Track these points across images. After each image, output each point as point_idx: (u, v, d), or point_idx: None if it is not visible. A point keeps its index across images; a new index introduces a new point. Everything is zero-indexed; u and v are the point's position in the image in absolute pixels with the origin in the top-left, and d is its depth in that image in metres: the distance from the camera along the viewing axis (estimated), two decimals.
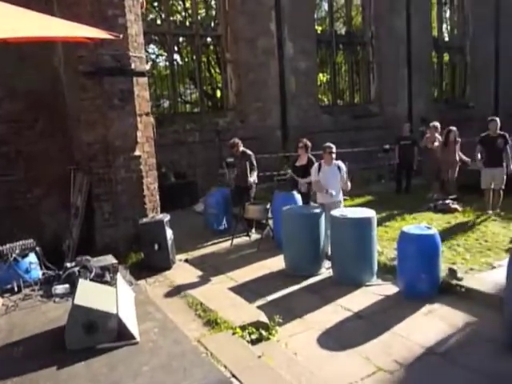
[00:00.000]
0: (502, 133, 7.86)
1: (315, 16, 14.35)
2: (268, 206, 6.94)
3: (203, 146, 10.59)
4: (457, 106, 15.69)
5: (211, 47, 13.92)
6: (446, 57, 16.57)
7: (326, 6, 15.36)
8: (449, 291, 4.87)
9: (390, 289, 5.13)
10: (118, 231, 6.26)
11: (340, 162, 6.18)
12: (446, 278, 4.99)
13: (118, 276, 4.12)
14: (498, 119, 7.98)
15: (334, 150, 6.13)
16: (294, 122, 12.02)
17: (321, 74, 14.89)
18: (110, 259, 4.64)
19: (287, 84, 11.98)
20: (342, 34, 14.59)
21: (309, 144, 7.27)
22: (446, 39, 16.63)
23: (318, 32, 13.84)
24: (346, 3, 14.75)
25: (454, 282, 4.92)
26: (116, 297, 3.46)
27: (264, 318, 4.25)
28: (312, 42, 12.56)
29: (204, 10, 15.69)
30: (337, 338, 4.10)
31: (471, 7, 15.88)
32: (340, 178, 6.09)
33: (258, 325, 4.12)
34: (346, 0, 14.67)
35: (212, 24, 13.56)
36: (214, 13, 14.64)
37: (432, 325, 4.27)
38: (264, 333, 4.06)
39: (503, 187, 7.84)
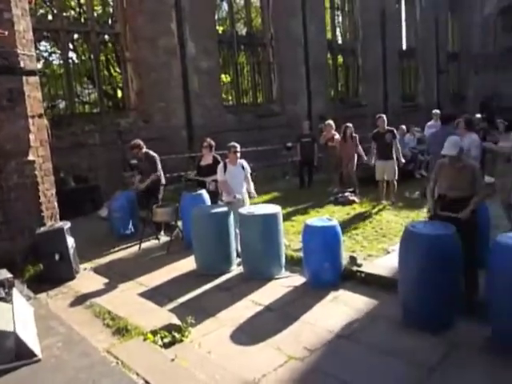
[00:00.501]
0: (389, 128, 8.58)
1: (216, 16, 14.46)
2: (176, 208, 6.86)
3: (105, 147, 10.14)
4: (351, 105, 16.77)
5: (110, 45, 13.37)
6: (340, 59, 17.64)
7: (226, 6, 15.56)
8: (351, 277, 5.19)
9: (298, 280, 5.34)
10: (13, 242, 5.78)
11: (244, 162, 6.30)
12: (347, 265, 5.32)
13: (14, 291, 3.82)
14: (384, 116, 8.70)
15: (239, 149, 6.23)
16: (198, 121, 11.99)
17: (224, 75, 15.03)
18: (3, 274, 4.27)
19: (190, 84, 11.91)
20: (243, 34, 14.85)
21: (213, 143, 7.32)
22: (340, 42, 17.68)
23: (220, 32, 13.97)
24: (246, 5, 15.06)
25: (355, 268, 5.27)
26: (12, 314, 3.21)
27: (176, 321, 4.20)
28: (214, 42, 12.63)
29: (100, 7, 15.00)
30: (249, 333, 4.18)
31: (360, 13, 17.06)
32: (244, 177, 6.22)
33: (170, 328, 4.07)
34: (246, 1, 14.99)
35: (109, 21, 13.02)
36: (111, 10, 14.05)
37: (337, 310, 4.53)
38: (177, 335, 4.01)
39: (396, 178, 8.58)
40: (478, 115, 10.89)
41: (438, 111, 10.94)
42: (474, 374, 3.36)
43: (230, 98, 15.49)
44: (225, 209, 5.93)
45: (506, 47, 23.19)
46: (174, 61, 11.58)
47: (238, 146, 6.24)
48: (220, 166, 6.32)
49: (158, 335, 3.92)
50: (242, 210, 5.62)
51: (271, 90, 14.65)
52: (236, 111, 13.42)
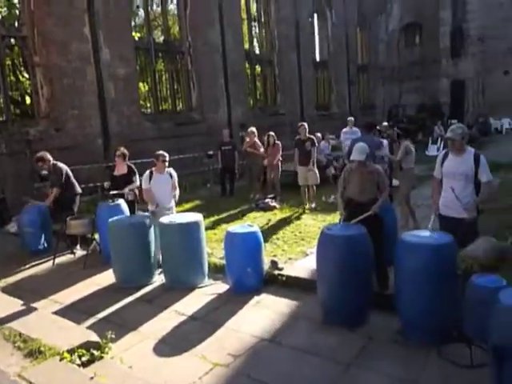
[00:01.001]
0: (310, 136, 8.95)
1: (133, 23, 14.15)
2: (92, 219, 6.58)
3: (12, 158, 9.48)
4: (270, 113, 17.22)
5: (16, 49, 12.53)
6: (258, 68, 18.08)
7: (142, 13, 15.28)
8: (273, 281, 5.32)
9: (222, 287, 5.36)
10: None
11: (172, 170, 6.22)
12: (269, 269, 5.45)
13: None
14: (306, 124, 9.06)
15: (168, 158, 6.14)
16: (115, 129, 11.61)
17: (142, 82, 14.73)
18: None
19: (106, 90, 11.52)
20: (161, 42, 14.68)
21: (126, 152, 7.13)
22: (257, 52, 18.12)
23: (136, 39, 13.68)
24: (163, 12, 14.91)
25: (276, 272, 5.41)
26: None
27: (95, 337, 4.01)
28: (130, 48, 12.34)
29: (6, 9, 14.02)
30: (173, 344, 4.12)
31: (276, 25, 17.62)
32: (172, 186, 6.14)
33: (88, 345, 3.87)
34: (163, 9, 14.84)
35: (16, 24, 12.22)
36: (18, 12, 13.19)
37: (260, 314, 4.62)
38: (96, 352, 3.83)
39: (317, 183, 8.95)
40: (385, 123, 11.67)
41: (352, 118, 11.61)
42: (387, 364, 3.59)
43: (149, 105, 15.20)
44: (145, 218, 5.79)
45: (408, 61, 25.22)
46: (87, 67, 11.13)
47: (166, 154, 6.14)
48: (146, 174, 6.17)
49: (76, 354, 3.72)
50: (164, 219, 5.53)
51: (191, 98, 14.61)
52: (155, 119, 13.20)
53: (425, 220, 6.48)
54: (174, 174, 6.22)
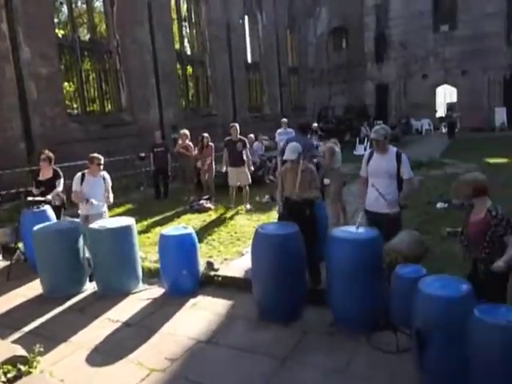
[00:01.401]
0: (241, 137, 9.02)
1: (55, 20, 13.48)
2: (16, 227, 6.19)
3: None
4: (203, 115, 17.17)
5: None
6: (190, 69, 17.95)
7: (66, 9, 14.61)
8: (209, 283, 5.33)
9: (157, 291, 5.28)
10: None
11: (105, 173, 6.01)
12: (205, 271, 5.44)
13: None
14: (237, 125, 9.13)
15: (102, 161, 5.92)
16: (38, 132, 11.02)
17: (68, 82, 14.09)
18: None
19: (27, 91, 10.90)
20: (87, 40, 14.12)
21: (51, 155, 6.80)
22: (189, 53, 17.97)
23: (60, 36, 13.06)
24: (88, 9, 14.36)
25: (212, 273, 5.42)
26: None
27: (21, 352, 3.79)
28: (53, 46, 11.76)
29: None
30: (107, 352, 4.00)
31: (207, 26, 17.59)
32: (105, 189, 5.92)
33: (14, 360, 3.65)
34: (88, 6, 14.29)
35: None
36: None
37: (197, 316, 4.60)
38: (23, 368, 3.62)
39: (249, 183, 9.04)
40: (315, 124, 12.07)
41: (285, 120, 11.87)
42: (320, 356, 3.73)
43: (76, 106, 14.57)
44: (74, 224, 5.55)
45: (336, 64, 26.24)
46: (6, 65, 10.47)
47: (101, 157, 5.92)
48: (77, 176, 5.90)
49: (0, 370, 3.50)
50: (93, 225, 5.33)
51: (120, 99, 14.20)
52: (82, 120, 12.69)
53: (354, 216, 6.80)
54: (108, 177, 6.02)
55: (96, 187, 5.86)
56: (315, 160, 7.71)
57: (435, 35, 23.94)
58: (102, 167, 5.94)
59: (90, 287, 5.51)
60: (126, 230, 5.30)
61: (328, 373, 3.49)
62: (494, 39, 22.54)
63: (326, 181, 8.16)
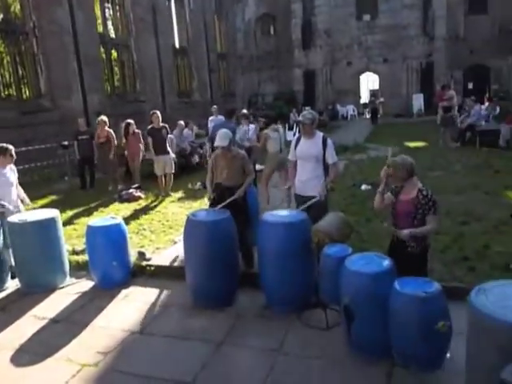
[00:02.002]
0: (163, 125, 8.86)
1: None
2: None
3: None
4: (130, 101, 16.58)
5: None
6: (115, 53, 17.20)
7: None
8: (141, 273, 5.23)
9: (86, 285, 5.10)
10: None
11: (13, 166, 5.60)
12: (136, 261, 5.33)
13: None
14: (158, 112, 8.94)
15: (14, 152, 5.49)
16: None
17: None
18: None
19: None
20: None
21: None
22: (113, 36, 17.20)
23: None
24: None
25: (144, 263, 5.32)
26: None
27: None
28: None
29: None
30: (34, 351, 3.81)
31: (131, 8, 16.90)
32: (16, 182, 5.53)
33: None
34: None
35: None
36: None
37: (129, 308, 4.50)
38: None
39: (173, 171, 8.93)
40: (244, 111, 12.09)
41: (216, 107, 11.79)
42: (254, 338, 3.81)
43: None
44: None
45: (265, 50, 26.42)
46: None
47: (12, 147, 5.48)
48: None
49: None
50: (12, 218, 5.00)
51: (39, 84, 13.31)
52: None
53: (283, 201, 6.98)
54: (15, 169, 5.59)
55: (7, 180, 5.42)
56: (247, 144, 7.88)
57: (358, 24, 24.84)
58: (14, 158, 5.50)
59: (12, 285, 5.19)
60: (50, 222, 5.02)
61: (262, 353, 3.58)
62: (411, 29, 23.85)
63: (258, 166, 8.30)
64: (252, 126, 8.95)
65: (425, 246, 3.57)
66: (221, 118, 10.98)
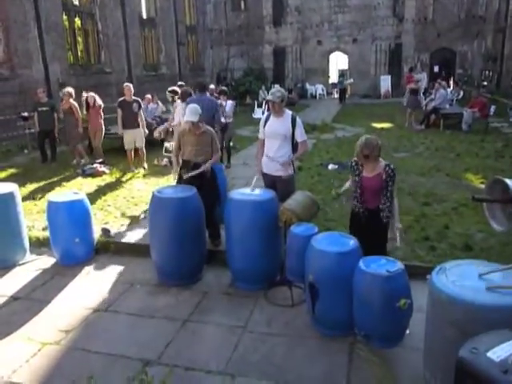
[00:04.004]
0: (135, 98, 8.61)
1: None
2: None
3: None
4: (94, 72, 15.98)
5: None
6: (78, 21, 16.43)
7: None
8: (105, 250, 5.13)
9: (47, 261, 4.97)
10: None
11: None
12: (100, 238, 5.22)
13: None
14: (131, 85, 8.66)
15: None
16: None
17: None
18: None
19: None
20: None
21: None
22: (76, 3, 16.41)
23: None
24: None
25: (108, 240, 5.22)
26: None
27: None
28: None
29: None
30: None
31: None
32: None
33: None
34: None
35: None
36: None
37: (93, 285, 4.42)
38: None
39: (143, 146, 8.74)
40: (212, 86, 11.88)
41: (182, 83, 11.48)
42: (219, 315, 3.82)
43: None
44: None
45: (235, 25, 25.89)
46: None
47: None
48: None
49: None
50: None
51: None
52: None
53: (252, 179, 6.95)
54: None
55: None
56: (223, 120, 7.93)
57: (329, 2, 24.65)
58: None
59: None
60: (8, 196, 4.82)
61: (228, 331, 3.59)
62: (381, 10, 23.88)
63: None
64: (230, 102, 8.95)
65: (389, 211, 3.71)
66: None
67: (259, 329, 3.61)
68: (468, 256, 4.32)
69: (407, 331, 3.21)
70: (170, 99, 8.68)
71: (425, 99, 14.78)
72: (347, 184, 3.90)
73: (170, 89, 8.83)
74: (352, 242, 3.39)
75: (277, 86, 9.31)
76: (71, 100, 9.45)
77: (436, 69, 23.59)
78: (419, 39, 23.63)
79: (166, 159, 9.05)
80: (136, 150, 8.74)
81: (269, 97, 4.59)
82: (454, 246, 4.81)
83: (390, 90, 23.91)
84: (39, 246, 5.29)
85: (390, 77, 24.04)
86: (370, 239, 3.54)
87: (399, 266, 3.08)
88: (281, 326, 3.64)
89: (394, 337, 3.15)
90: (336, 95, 24.76)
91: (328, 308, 3.35)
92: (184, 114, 6.86)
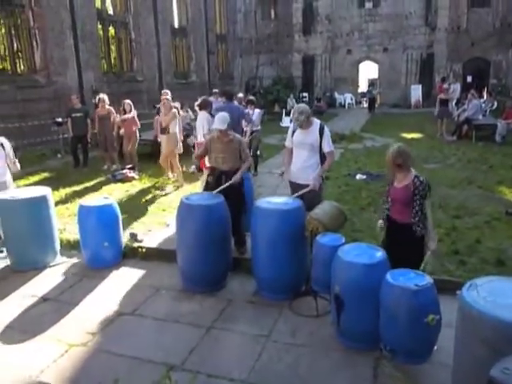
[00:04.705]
0: (173, 104, 8.73)
1: None
2: None
3: None
4: (126, 80, 16.35)
5: None
6: (112, 30, 16.89)
7: None
8: (132, 254, 5.21)
9: (77, 264, 5.08)
10: None
11: (3, 139, 5.49)
12: (128, 242, 5.31)
13: None
14: (169, 92, 8.83)
15: None
16: None
17: None
18: None
19: None
20: None
21: None
22: (111, 13, 16.87)
23: None
24: None
25: (136, 244, 5.30)
26: None
27: None
28: None
29: None
30: (23, 329, 3.80)
31: None
32: (6, 157, 5.44)
33: None
34: None
35: None
36: None
37: (120, 289, 4.49)
38: None
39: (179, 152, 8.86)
40: (240, 94, 11.97)
41: (217, 90, 11.65)
42: (243, 324, 3.82)
43: None
44: None
45: (265, 34, 26.06)
46: None
47: None
48: None
49: None
50: (2, 195, 4.93)
51: (34, 58, 13.06)
52: None
53: (278, 187, 6.96)
54: (7, 143, 5.48)
55: None
56: (249, 129, 8.09)
57: (360, 11, 24.53)
58: None
59: (1, 262, 5.15)
60: (41, 200, 4.97)
61: (251, 340, 3.58)
62: (413, 19, 23.59)
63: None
64: (257, 111, 9.07)
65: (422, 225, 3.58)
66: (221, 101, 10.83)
67: (283, 338, 3.58)
68: (500, 271, 4.19)
69: (435, 347, 3.12)
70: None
71: (457, 110, 14.47)
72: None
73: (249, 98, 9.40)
74: (379, 254, 3.34)
75: (305, 96, 9.38)
76: (107, 106, 9.71)
77: (469, 79, 23.08)
78: (452, 48, 23.20)
79: (193, 166, 9.13)
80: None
81: (295, 123, 4.53)
82: (485, 260, 4.67)
83: (420, 99, 23.53)
84: (69, 248, 5.42)
85: (420, 86, 23.68)
86: (403, 255, 3.42)
87: (428, 280, 3.00)
88: (305, 337, 3.60)
89: (421, 353, 3.07)
90: (365, 104, 24.53)
91: (353, 320, 3.30)
92: (204, 123, 7.05)
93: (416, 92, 23.73)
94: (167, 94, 8.75)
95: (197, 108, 8.12)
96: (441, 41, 23.39)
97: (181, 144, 8.62)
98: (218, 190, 4.67)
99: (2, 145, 5.38)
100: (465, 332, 2.55)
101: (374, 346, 3.28)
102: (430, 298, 2.93)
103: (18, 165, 5.59)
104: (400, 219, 3.59)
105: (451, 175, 8.49)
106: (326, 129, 4.63)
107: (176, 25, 20.51)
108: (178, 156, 8.47)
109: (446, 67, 23.40)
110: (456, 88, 18.31)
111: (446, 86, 15.14)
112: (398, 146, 3.57)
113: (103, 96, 9.87)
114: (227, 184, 4.71)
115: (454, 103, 16.25)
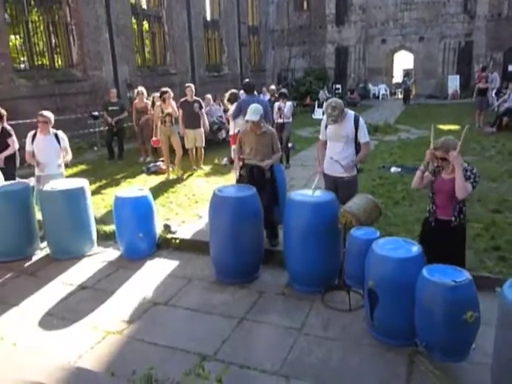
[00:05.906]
0: (197, 98, 8.79)
1: None
2: None
3: None
4: (160, 73, 16.53)
5: None
6: (146, 24, 17.10)
7: None
8: (166, 245, 5.30)
9: (112, 254, 5.21)
10: None
11: (60, 132, 5.72)
12: (162, 233, 5.39)
13: None
14: (192, 86, 8.86)
15: (49, 118, 5.60)
16: None
17: (15, 35, 13.09)
18: None
19: None
20: None
21: (3, 112, 6.39)
22: (145, 7, 17.07)
23: None
24: None
25: (170, 235, 5.38)
26: None
27: None
28: None
29: None
30: (61, 316, 3.93)
31: None
32: (60, 148, 5.66)
33: None
34: None
35: None
36: None
37: (153, 279, 4.57)
38: None
39: (203, 145, 8.92)
40: (273, 86, 11.92)
41: (248, 80, 11.62)
42: (275, 316, 3.82)
43: (23, 59, 13.62)
44: (21, 185, 5.30)
45: (297, 25, 25.79)
46: None
47: (47, 114, 5.61)
48: (29, 135, 5.63)
49: None
50: (44, 186, 5.11)
51: (71, 53, 13.38)
52: (29, 76, 11.89)
53: (311, 179, 6.88)
54: (63, 135, 5.74)
55: (47, 146, 5.59)
56: (281, 121, 8.15)
57: (395, 0, 23.90)
58: (48, 125, 5.64)
59: (41, 251, 5.35)
60: (79, 191, 5.12)
61: (283, 332, 3.58)
62: (451, 7, 22.80)
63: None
64: (288, 103, 8.96)
65: (464, 221, 3.45)
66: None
67: (315, 332, 3.57)
68: None
69: (473, 346, 3.03)
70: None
71: (497, 100, 13.91)
72: (416, 175, 3.63)
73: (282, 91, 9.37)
74: (415, 249, 3.26)
75: (338, 88, 9.32)
76: (145, 99, 9.86)
77: (510, 68, 22.14)
78: (492, 36, 22.29)
79: (226, 158, 9.18)
80: (196, 149, 8.93)
81: (328, 118, 4.42)
82: None
83: (458, 90, 22.76)
84: (106, 239, 5.55)
85: (458, 76, 22.89)
86: (444, 252, 3.29)
87: (466, 275, 2.90)
88: (337, 331, 3.57)
89: (458, 351, 2.98)
90: (400, 95, 23.96)
91: (387, 315, 3.25)
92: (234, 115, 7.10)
93: (453, 82, 22.95)
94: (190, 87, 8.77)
95: (226, 102, 8.15)
96: (480, 28, 22.50)
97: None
98: (250, 163, 4.68)
99: (56, 137, 5.61)
100: (505, 331, 2.46)
101: (408, 343, 3.21)
102: (468, 295, 2.84)
103: (70, 157, 5.91)
104: (442, 215, 3.44)
105: (490, 168, 8.18)
106: (361, 120, 4.55)
107: (208, 17, 20.56)
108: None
109: (486, 56, 22.52)
110: (495, 77, 17.61)
111: (484, 74, 14.59)
112: (445, 138, 3.46)
113: (141, 89, 10.04)
114: (259, 164, 4.71)
115: (493, 93, 15.63)
